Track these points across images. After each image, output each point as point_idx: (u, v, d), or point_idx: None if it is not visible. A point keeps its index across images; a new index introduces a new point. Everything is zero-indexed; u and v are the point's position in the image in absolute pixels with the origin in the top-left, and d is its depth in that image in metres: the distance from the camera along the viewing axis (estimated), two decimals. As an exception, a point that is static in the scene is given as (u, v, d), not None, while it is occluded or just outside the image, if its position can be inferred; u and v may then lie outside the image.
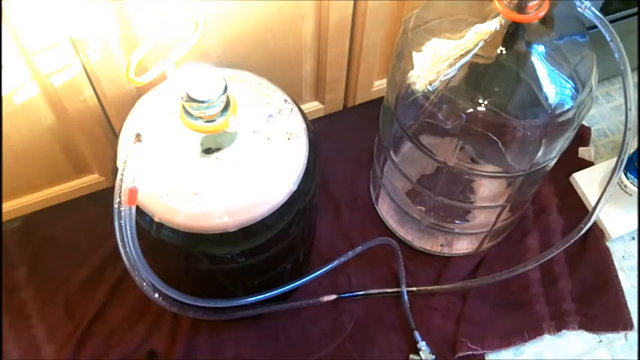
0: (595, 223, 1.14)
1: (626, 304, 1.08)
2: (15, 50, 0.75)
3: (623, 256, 1.14)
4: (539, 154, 0.83)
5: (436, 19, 0.83)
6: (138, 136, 0.68)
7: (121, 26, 0.78)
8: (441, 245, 1.11)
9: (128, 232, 0.68)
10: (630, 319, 1.07)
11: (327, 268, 0.95)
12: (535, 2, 0.72)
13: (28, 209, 1.02)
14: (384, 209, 1.14)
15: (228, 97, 0.69)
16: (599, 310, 1.07)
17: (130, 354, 0.99)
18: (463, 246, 1.11)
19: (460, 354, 1.02)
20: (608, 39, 0.73)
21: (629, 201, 1.11)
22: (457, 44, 0.78)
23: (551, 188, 1.19)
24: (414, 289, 1.06)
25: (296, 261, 0.93)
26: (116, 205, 0.66)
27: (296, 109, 0.79)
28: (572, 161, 1.22)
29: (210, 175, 0.73)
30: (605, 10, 1.04)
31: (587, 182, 1.19)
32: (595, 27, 0.74)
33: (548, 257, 0.92)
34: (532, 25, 0.76)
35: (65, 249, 1.08)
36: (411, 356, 1.01)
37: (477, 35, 0.77)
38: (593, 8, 0.73)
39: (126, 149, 0.68)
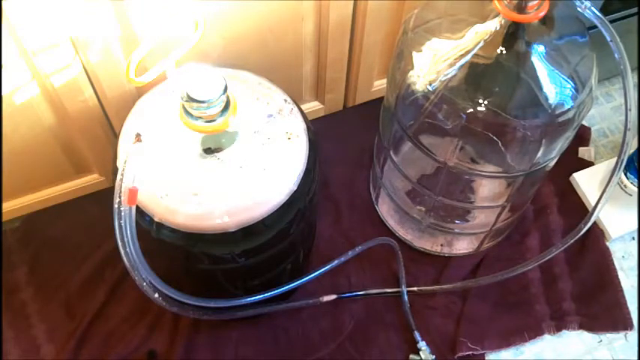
0: (595, 223, 1.14)
1: (626, 304, 1.08)
2: (15, 50, 0.75)
3: (623, 256, 1.14)
4: (539, 154, 0.83)
5: (436, 19, 0.83)
6: (138, 136, 0.68)
7: (121, 26, 0.78)
8: (441, 245, 1.11)
9: (128, 232, 0.68)
10: (630, 319, 1.07)
11: (327, 268, 0.95)
12: (535, 2, 0.72)
13: (28, 209, 1.02)
14: (384, 209, 1.14)
15: (228, 97, 0.69)
16: (599, 310, 1.07)
17: (130, 354, 0.99)
18: (463, 246, 1.11)
19: (460, 354, 1.02)
20: (608, 39, 0.73)
21: (629, 201, 1.11)
22: (457, 44, 0.78)
23: (551, 188, 1.19)
24: (414, 289, 1.06)
25: (296, 261, 0.93)
26: (116, 205, 0.66)
27: (296, 109, 0.79)
28: (572, 161, 1.22)
29: (210, 175, 0.73)
30: (605, 10, 1.04)
31: (587, 182, 1.19)
32: (595, 27, 0.74)
33: (548, 257, 0.92)
34: (532, 25, 0.76)
35: (65, 249, 1.08)
36: (411, 356, 1.01)
37: (477, 35, 0.77)
38: (593, 8, 0.73)
39: (126, 149, 0.68)
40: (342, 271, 1.07)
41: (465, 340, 1.02)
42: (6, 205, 1.00)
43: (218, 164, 0.73)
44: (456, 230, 1.09)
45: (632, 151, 1.06)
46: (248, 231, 0.73)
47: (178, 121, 0.69)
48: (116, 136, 0.78)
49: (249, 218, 0.72)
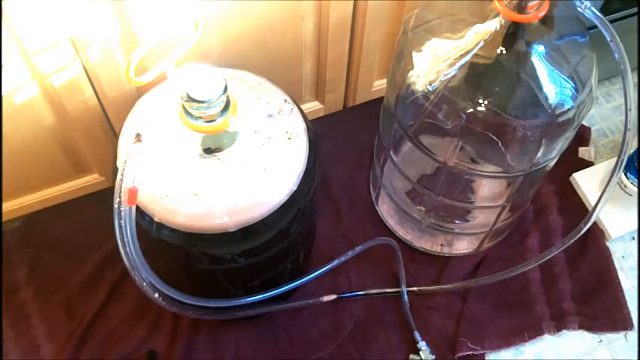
0: (595, 223, 1.14)
1: (626, 304, 1.08)
2: (15, 50, 0.75)
3: (623, 256, 1.14)
4: (539, 154, 0.83)
5: (436, 19, 0.83)
6: (138, 136, 0.68)
7: (121, 26, 0.78)
8: (441, 245, 1.11)
9: (128, 232, 0.68)
10: (630, 319, 1.07)
11: (327, 268, 0.95)
12: (535, 2, 0.72)
13: (28, 209, 1.02)
14: (384, 209, 1.14)
15: (228, 97, 0.69)
16: (599, 310, 1.07)
17: (130, 354, 0.99)
18: (463, 246, 1.11)
19: (460, 354, 1.02)
20: (608, 39, 0.73)
21: (629, 201, 1.11)
22: (457, 44, 0.78)
23: (551, 188, 1.19)
24: (414, 289, 1.06)
25: (296, 261, 0.93)
26: (116, 205, 0.66)
27: (296, 109, 0.79)
28: (572, 161, 1.22)
29: (210, 175, 0.73)
30: (605, 10, 1.04)
31: (587, 182, 1.19)
32: (595, 27, 0.74)
33: (548, 257, 0.92)
34: (532, 25, 0.76)
35: (65, 249, 1.08)
36: (411, 356, 1.01)
37: (477, 35, 0.77)
38: (593, 8, 0.73)
39: (126, 149, 0.68)
40: (342, 271, 1.07)
41: (465, 340, 1.02)
42: (6, 205, 1.00)
43: (218, 164, 0.73)
44: (456, 230, 1.09)
45: (632, 151, 1.06)
46: (248, 231, 0.73)
47: (178, 121, 0.69)
48: (116, 136, 0.78)
49: (249, 218, 0.72)
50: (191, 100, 0.65)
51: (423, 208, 1.06)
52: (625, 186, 1.09)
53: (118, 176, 0.66)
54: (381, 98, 1.00)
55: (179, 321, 1.02)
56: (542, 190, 1.17)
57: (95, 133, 0.93)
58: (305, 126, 0.78)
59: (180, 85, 0.66)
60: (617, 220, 1.14)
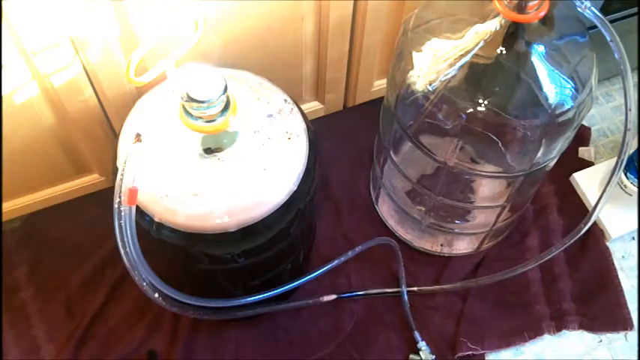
0: (595, 223, 1.14)
1: (626, 304, 1.08)
2: (15, 50, 0.75)
3: (623, 256, 1.14)
4: (539, 154, 0.83)
5: (436, 19, 0.83)
6: (138, 136, 0.68)
7: (121, 26, 0.78)
8: (441, 245, 1.11)
9: (128, 232, 0.68)
10: (630, 319, 1.07)
11: (327, 267, 0.95)
12: (535, 2, 0.72)
13: (28, 209, 1.02)
14: (384, 209, 1.14)
15: (228, 97, 0.69)
16: (599, 310, 1.07)
17: (130, 354, 0.99)
18: (463, 246, 1.11)
19: (460, 354, 1.02)
20: (608, 39, 0.73)
21: (629, 201, 1.11)
22: (457, 44, 0.78)
23: (551, 188, 1.19)
24: (414, 289, 1.06)
25: (296, 261, 0.93)
26: (116, 205, 0.66)
27: (296, 109, 0.79)
28: (572, 161, 1.22)
29: (210, 175, 0.73)
30: (605, 10, 1.04)
31: (587, 182, 1.19)
32: (595, 27, 0.74)
33: (548, 257, 0.92)
34: (532, 25, 0.76)
35: (65, 249, 1.08)
36: (411, 356, 1.01)
37: (477, 35, 0.77)
38: (593, 8, 0.73)
39: (126, 149, 0.68)
40: (342, 271, 1.07)
41: (465, 340, 1.02)
42: (6, 205, 1.00)
43: (218, 164, 0.73)
44: (456, 230, 1.09)
45: (632, 151, 1.06)
46: (248, 231, 0.73)
47: (178, 121, 0.69)
48: (116, 136, 0.78)
49: (249, 218, 0.72)
50: (191, 100, 0.65)
51: (423, 208, 1.06)
52: (625, 186, 1.09)
53: (118, 176, 0.66)
54: (381, 98, 1.00)
55: (179, 321, 1.02)
56: (542, 190, 1.17)
57: (95, 133, 0.93)
58: (305, 126, 0.78)
59: (180, 85, 0.66)
60: (617, 220, 1.14)
